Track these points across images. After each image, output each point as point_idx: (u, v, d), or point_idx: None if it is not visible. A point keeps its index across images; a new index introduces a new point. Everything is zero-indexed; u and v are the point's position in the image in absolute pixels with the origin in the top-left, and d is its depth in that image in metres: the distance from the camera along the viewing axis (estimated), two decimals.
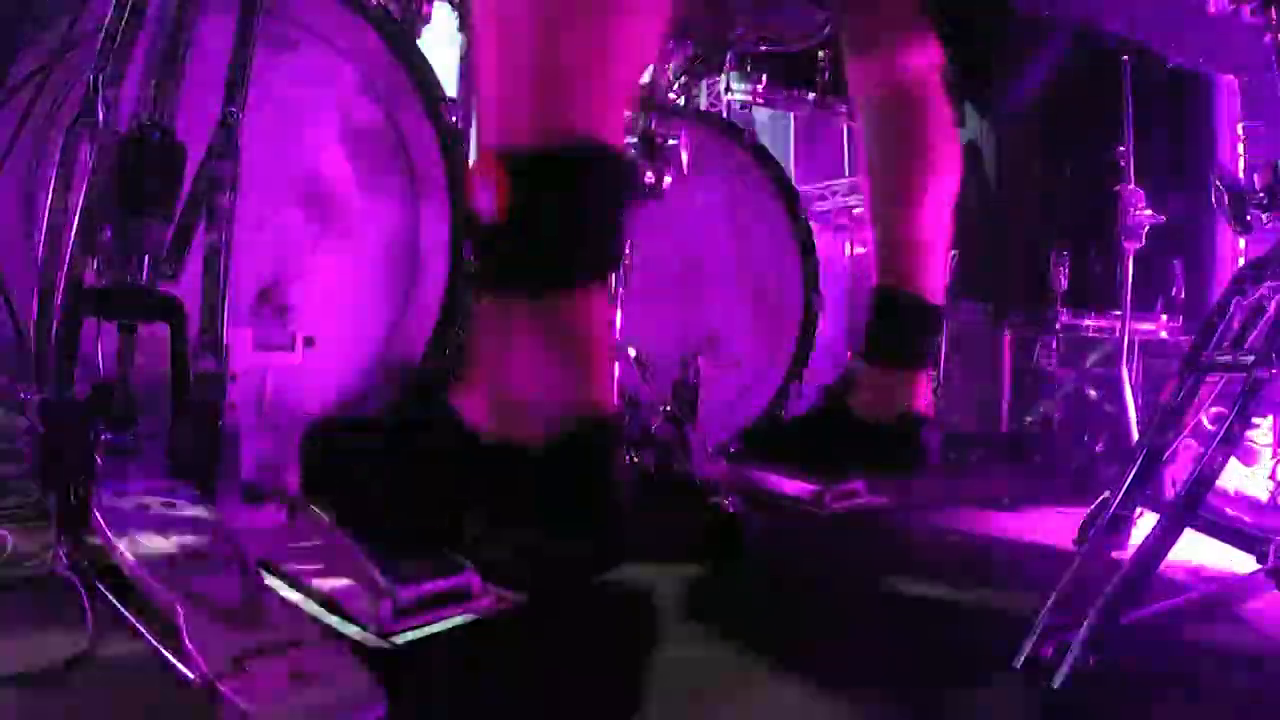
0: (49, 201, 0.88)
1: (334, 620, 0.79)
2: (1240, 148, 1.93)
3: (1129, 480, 0.89)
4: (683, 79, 1.72)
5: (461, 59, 1.62)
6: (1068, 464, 1.94)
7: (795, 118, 2.94)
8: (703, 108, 2.16)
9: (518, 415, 0.80)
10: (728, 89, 2.05)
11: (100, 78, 0.86)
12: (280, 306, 1.25)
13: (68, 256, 0.83)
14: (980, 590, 1.04)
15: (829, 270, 2.19)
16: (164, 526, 0.73)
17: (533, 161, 0.78)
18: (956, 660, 0.83)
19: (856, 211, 2.52)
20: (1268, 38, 1.01)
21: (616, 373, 1.43)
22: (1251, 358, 0.84)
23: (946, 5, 1.45)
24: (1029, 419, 2.33)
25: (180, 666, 0.60)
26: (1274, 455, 1.46)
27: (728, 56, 1.95)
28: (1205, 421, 1.04)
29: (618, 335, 1.44)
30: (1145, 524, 0.89)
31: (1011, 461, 2.24)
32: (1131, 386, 1.72)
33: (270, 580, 0.80)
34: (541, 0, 0.78)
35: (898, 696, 0.76)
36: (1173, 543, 0.79)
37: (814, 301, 1.98)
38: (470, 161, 1.39)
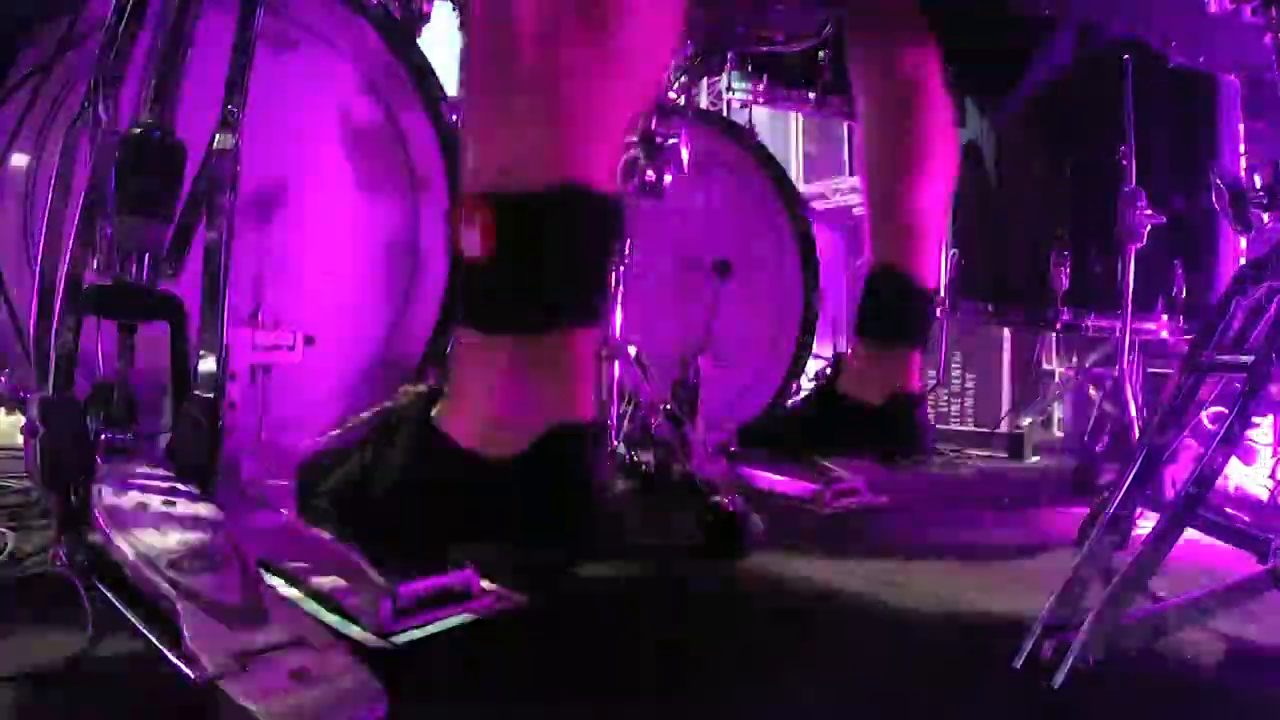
0: (49, 201, 0.88)
1: (334, 620, 0.79)
2: (1241, 147, 1.93)
3: (1129, 480, 0.89)
4: (683, 79, 1.72)
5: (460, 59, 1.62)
6: (1068, 464, 1.94)
7: (797, 118, 2.94)
8: (703, 108, 2.16)
9: (497, 433, 0.80)
10: (728, 89, 2.05)
11: (100, 78, 0.86)
12: (280, 306, 1.25)
13: (68, 256, 0.82)
14: (980, 590, 1.04)
15: (829, 270, 2.19)
16: (164, 526, 0.73)
17: (521, 206, 0.78)
18: (956, 660, 0.84)
19: (856, 211, 2.52)
20: (1268, 37, 1.01)
21: (618, 372, 1.44)
22: (1251, 358, 0.84)
23: (947, 4, 1.45)
24: (1029, 419, 2.33)
25: (180, 666, 0.60)
26: (1274, 455, 1.46)
27: (728, 56, 1.95)
28: (1205, 421, 1.04)
29: (618, 335, 1.44)
30: (1145, 524, 0.89)
31: (1011, 461, 2.24)
32: (1131, 386, 1.72)
33: (270, 580, 0.81)
34: (535, 48, 0.77)
35: (898, 696, 0.76)
36: (1173, 543, 0.79)
37: (814, 301, 1.99)
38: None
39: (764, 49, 1.88)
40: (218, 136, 0.93)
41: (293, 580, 0.85)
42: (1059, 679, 0.72)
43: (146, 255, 0.87)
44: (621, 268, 1.46)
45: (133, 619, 0.67)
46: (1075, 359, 2.33)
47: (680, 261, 1.89)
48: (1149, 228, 1.68)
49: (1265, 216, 1.10)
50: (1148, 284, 1.73)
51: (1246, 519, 1.15)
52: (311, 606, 0.81)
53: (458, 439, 0.80)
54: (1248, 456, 1.47)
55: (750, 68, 1.98)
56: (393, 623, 0.78)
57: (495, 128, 0.80)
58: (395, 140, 1.43)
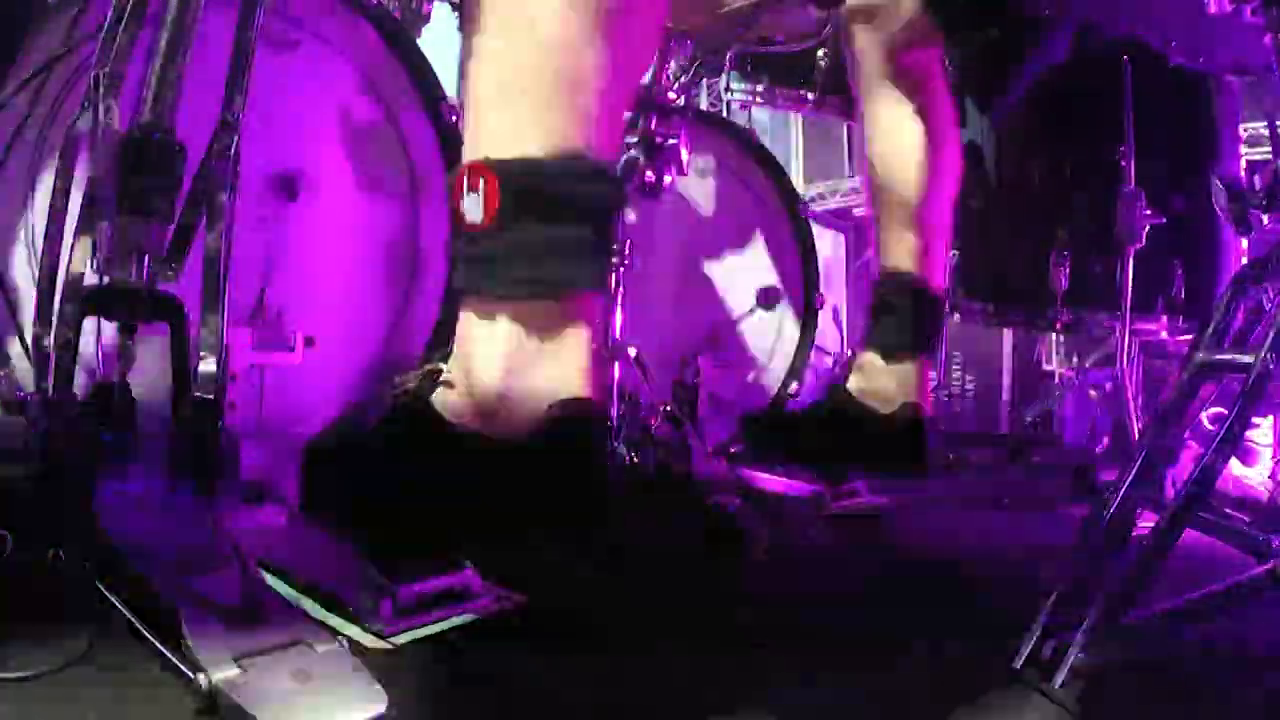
0: (49, 201, 0.88)
1: (334, 620, 0.79)
2: (1241, 148, 1.93)
3: (1129, 480, 0.89)
4: (683, 79, 1.72)
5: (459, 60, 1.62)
6: (1068, 464, 1.94)
7: (797, 118, 2.94)
8: (703, 108, 2.16)
9: (502, 413, 0.80)
10: (728, 89, 2.05)
11: (100, 78, 0.86)
12: (280, 306, 1.25)
13: (67, 257, 0.82)
14: (980, 590, 1.04)
15: (829, 270, 2.19)
16: (164, 526, 0.73)
17: (521, 174, 0.79)
18: (957, 660, 0.83)
19: (857, 212, 2.52)
20: (1268, 38, 1.01)
21: (618, 373, 1.44)
22: (1251, 358, 0.84)
23: (947, 2, 1.45)
24: (1029, 419, 2.33)
25: (180, 666, 0.60)
26: (1274, 455, 1.46)
27: (728, 56, 1.95)
28: (1205, 421, 1.04)
29: (618, 335, 1.44)
30: (1145, 524, 0.88)
31: (1011, 461, 2.24)
32: (1131, 386, 1.72)
33: (270, 580, 0.80)
34: (535, 18, 0.79)
35: (898, 696, 0.76)
36: (1173, 543, 0.79)
37: (814, 301, 1.99)
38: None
39: (764, 49, 1.88)
40: (218, 137, 0.93)
41: (293, 580, 0.85)
42: (1059, 679, 0.72)
43: (146, 255, 0.87)
44: (622, 268, 1.46)
45: (133, 619, 0.67)
46: (1075, 359, 2.33)
47: (680, 261, 1.89)
48: (1149, 228, 1.68)
49: (1265, 217, 1.10)
50: (1148, 284, 1.73)
51: (1246, 519, 1.15)
52: (311, 606, 0.81)
53: (463, 421, 0.80)
54: (1248, 456, 1.47)
55: (750, 68, 1.98)
56: (393, 623, 0.78)
57: (495, 96, 0.81)
58: (395, 140, 1.43)
